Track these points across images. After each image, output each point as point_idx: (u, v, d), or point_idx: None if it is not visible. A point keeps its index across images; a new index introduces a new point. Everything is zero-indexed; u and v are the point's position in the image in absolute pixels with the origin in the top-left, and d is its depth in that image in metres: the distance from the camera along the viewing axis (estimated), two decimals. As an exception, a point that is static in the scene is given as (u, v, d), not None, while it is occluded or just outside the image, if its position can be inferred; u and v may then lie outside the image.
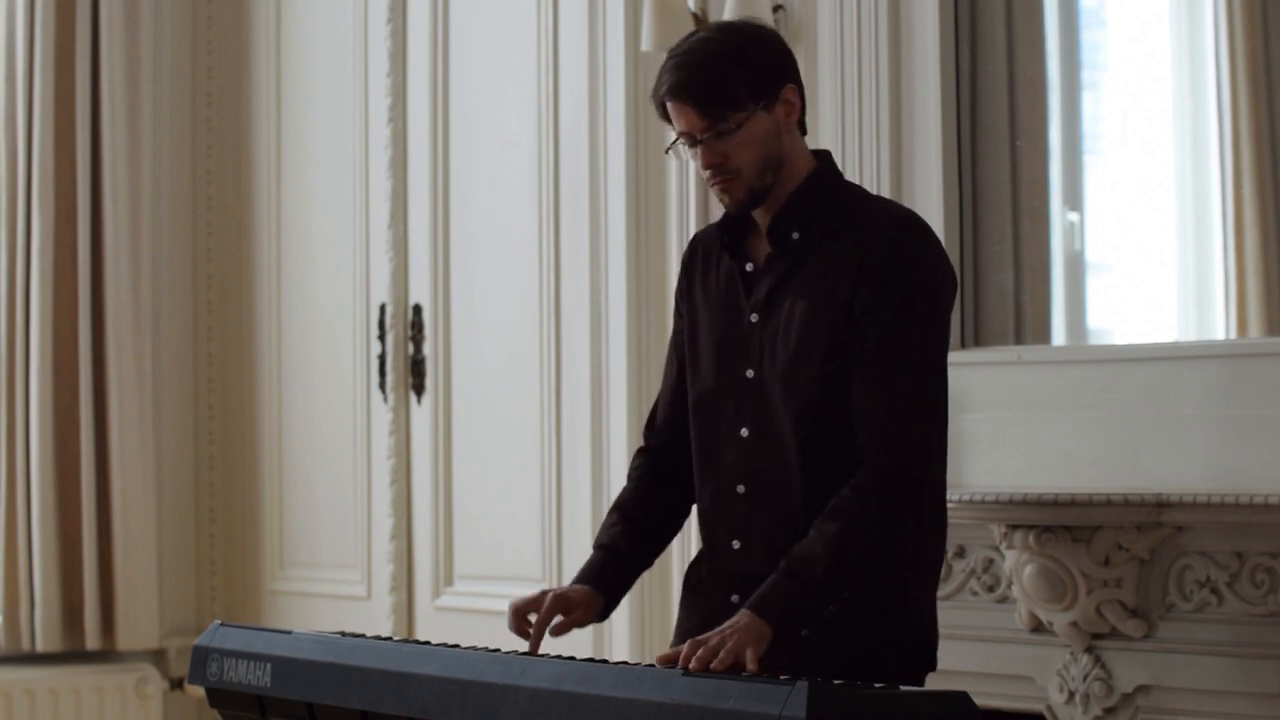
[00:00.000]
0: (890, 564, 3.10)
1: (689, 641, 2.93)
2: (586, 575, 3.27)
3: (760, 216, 3.20)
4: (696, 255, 3.32)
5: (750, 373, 3.18)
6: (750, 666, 2.87)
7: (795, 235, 3.16)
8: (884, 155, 4.24)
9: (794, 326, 3.12)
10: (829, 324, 3.09)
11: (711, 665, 2.85)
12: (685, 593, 3.32)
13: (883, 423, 3.06)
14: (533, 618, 3.20)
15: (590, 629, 3.47)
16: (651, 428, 3.40)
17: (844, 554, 3.01)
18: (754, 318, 3.18)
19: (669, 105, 3.15)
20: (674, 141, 3.20)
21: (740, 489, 3.19)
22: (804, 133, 3.23)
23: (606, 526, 3.33)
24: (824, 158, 3.25)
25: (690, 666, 2.84)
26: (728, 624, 2.96)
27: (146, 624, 5.89)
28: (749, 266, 3.21)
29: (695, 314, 3.28)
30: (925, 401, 3.10)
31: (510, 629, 3.20)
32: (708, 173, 3.16)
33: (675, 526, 3.37)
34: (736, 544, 3.19)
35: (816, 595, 3.01)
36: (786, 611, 2.99)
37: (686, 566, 3.34)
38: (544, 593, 3.22)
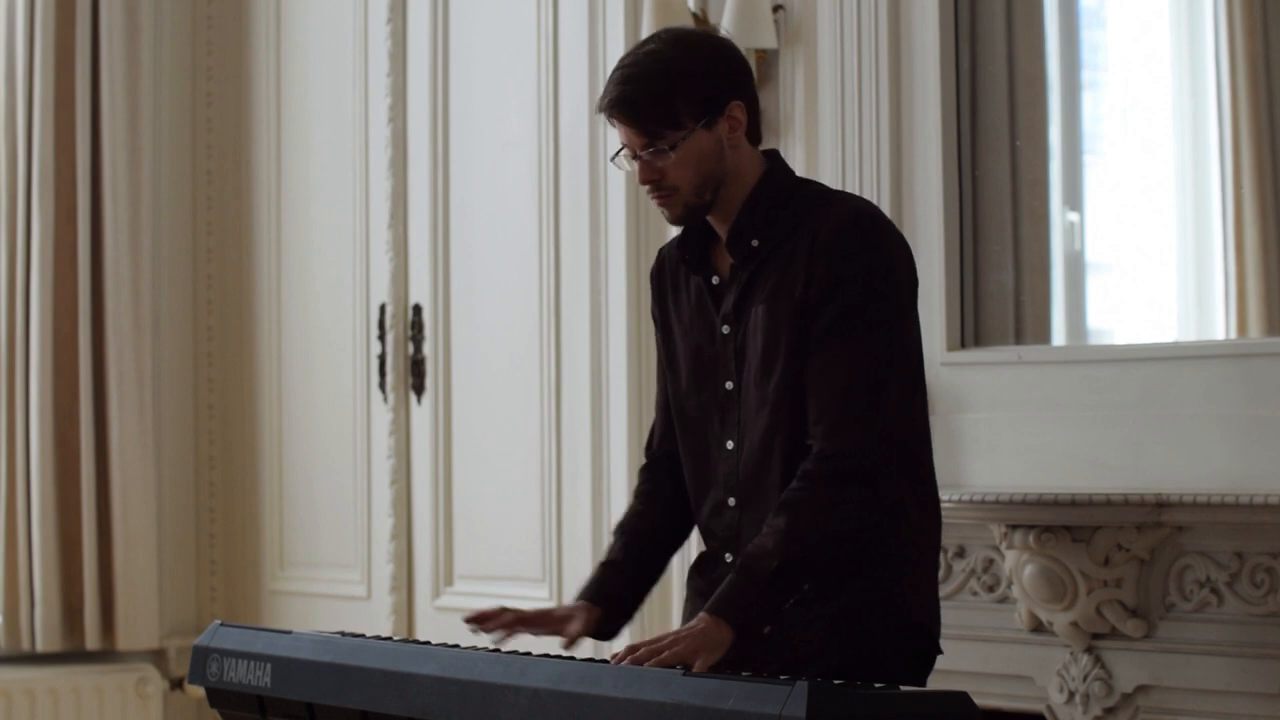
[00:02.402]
0: (881, 557, 3.09)
1: (627, 646, 2.92)
2: (584, 592, 3.28)
3: (719, 227, 3.20)
4: (664, 271, 3.31)
5: (729, 384, 3.18)
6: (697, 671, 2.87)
7: (754, 243, 3.16)
8: (884, 155, 4.24)
9: (759, 332, 3.12)
10: (789, 325, 3.09)
11: (651, 663, 2.85)
12: (689, 594, 3.32)
13: (828, 409, 3.04)
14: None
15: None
16: (650, 443, 3.41)
17: (795, 544, 2.99)
18: (725, 329, 3.18)
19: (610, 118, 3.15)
20: (617, 152, 3.19)
21: (731, 501, 3.19)
22: (757, 142, 3.20)
23: (608, 549, 3.34)
24: (773, 158, 3.23)
25: (627, 663, 2.84)
26: (686, 627, 2.96)
27: (146, 624, 5.89)
28: (715, 279, 3.21)
29: (671, 331, 3.28)
30: (876, 387, 3.06)
31: (477, 609, 3.19)
32: (645, 187, 3.15)
33: (680, 535, 3.36)
34: (729, 557, 3.19)
35: (772, 590, 3.00)
36: (744, 610, 2.98)
37: (690, 566, 3.34)
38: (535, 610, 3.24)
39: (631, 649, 2.89)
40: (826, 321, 3.06)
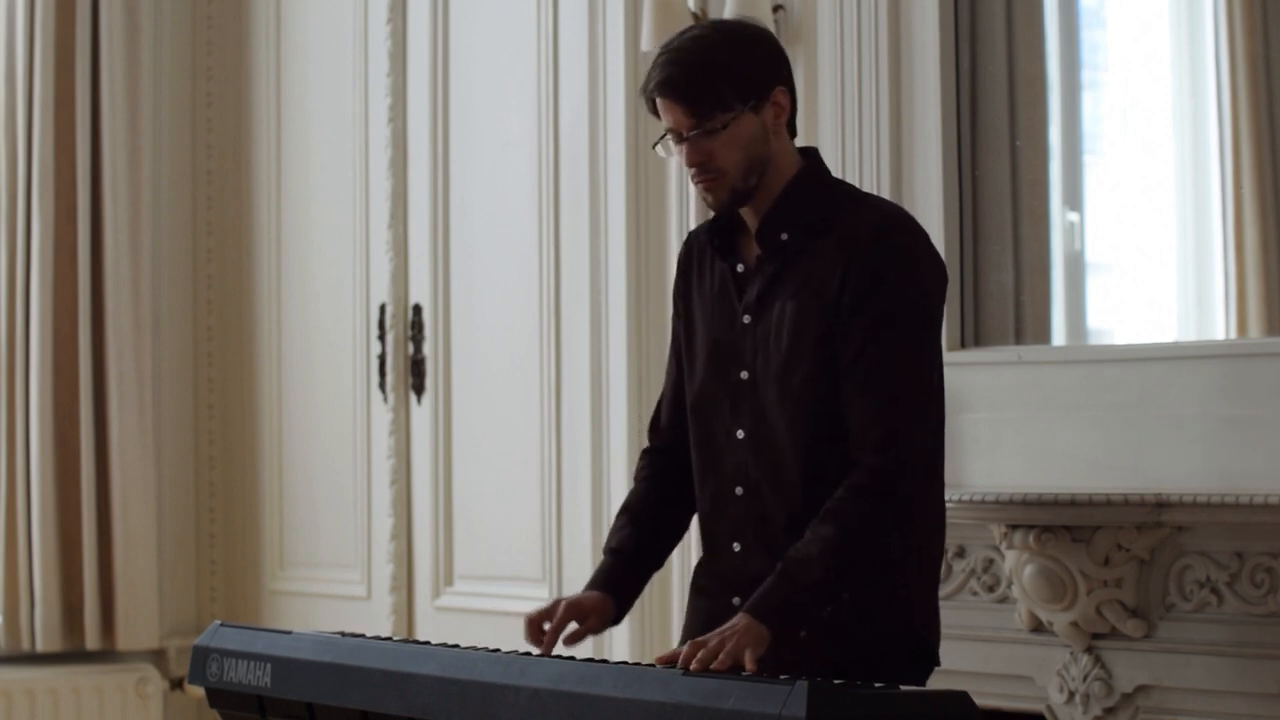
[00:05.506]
0: (892, 564, 3.10)
1: (689, 644, 2.93)
2: (598, 581, 3.28)
3: (749, 217, 3.20)
4: (692, 255, 3.32)
5: (744, 375, 3.18)
6: (749, 667, 2.88)
7: (784, 236, 3.16)
8: (884, 155, 4.24)
9: (785, 328, 3.12)
10: (818, 324, 3.09)
11: (711, 666, 2.86)
12: (691, 594, 3.32)
13: (875, 422, 3.05)
14: (547, 626, 3.20)
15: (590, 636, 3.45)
16: (655, 428, 3.40)
17: (839, 556, 3.01)
18: (746, 319, 3.18)
19: (657, 101, 3.16)
20: (662, 136, 3.20)
21: (738, 490, 3.19)
22: (793, 135, 3.22)
23: (615, 530, 3.34)
24: (812, 156, 3.24)
25: (691, 668, 2.85)
26: (727, 626, 2.96)
27: (146, 624, 5.89)
28: (740, 268, 3.21)
29: (692, 315, 3.28)
30: (917, 399, 3.09)
31: (526, 639, 3.20)
32: (692, 170, 3.16)
33: (684, 525, 3.38)
34: (737, 546, 3.19)
35: (813, 598, 3.01)
36: (784, 614, 2.99)
37: (693, 568, 3.34)
38: (557, 602, 3.22)
39: (690, 655, 2.89)
40: (865, 332, 3.06)
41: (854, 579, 3.04)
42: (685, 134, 3.13)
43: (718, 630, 2.96)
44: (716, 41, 3.15)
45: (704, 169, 3.14)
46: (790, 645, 3.00)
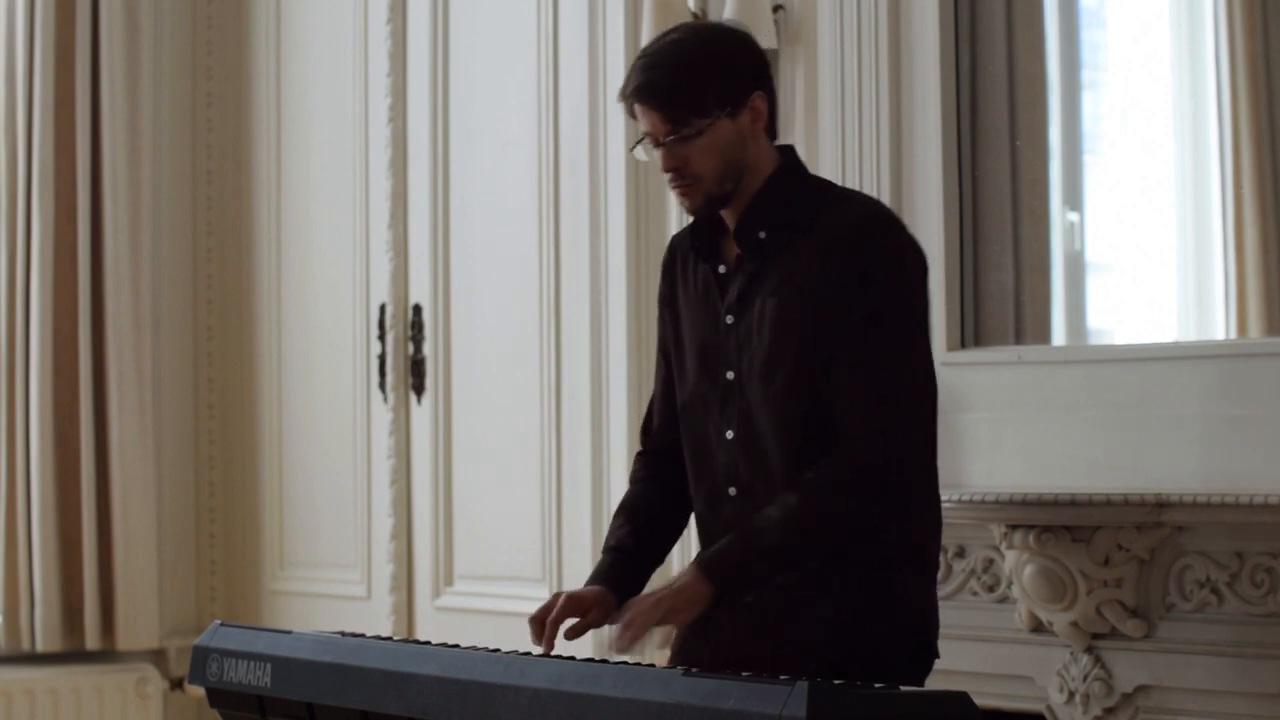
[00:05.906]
0: (890, 563, 3.10)
1: (626, 612, 2.99)
2: (598, 576, 3.28)
3: (729, 218, 3.21)
4: (675, 258, 3.33)
5: (730, 375, 3.18)
6: (676, 627, 2.93)
7: (762, 235, 3.17)
8: (884, 155, 4.24)
9: (766, 326, 3.13)
10: (800, 321, 3.10)
11: (635, 627, 2.96)
12: None
13: (867, 420, 3.05)
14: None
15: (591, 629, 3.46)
16: (648, 432, 3.41)
17: (799, 527, 3.03)
18: (729, 319, 3.18)
19: (635, 105, 3.16)
20: (639, 140, 3.20)
21: (731, 491, 3.19)
22: (773, 138, 3.22)
23: (614, 529, 3.34)
24: (787, 154, 3.24)
25: (623, 638, 2.93)
26: (667, 583, 3.01)
27: (146, 624, 5.89)
28: (721, 269, 3.22)
29: (678, 318, 3.29)
30: (908, 398, 3.09)
31: (532, 640, 3.20)
32: (668, 175, 3.16)
33: (681, 523, 3.38)
34: None
35: (765, 563, 3.02)
36: (731, 573, 3.01)
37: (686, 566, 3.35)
38: (557, 595, 3.23)
39: (626, 626, 2.97)
40: (851, 327, 3.06)
41: (811, 554, 3.06)
42: (662, 139, 3.14)
43: (656, 590, 3.00)
44: (695, 47, 3.14)
45: (680, 174, 3.15)
46: (734, 608, 3.04)
